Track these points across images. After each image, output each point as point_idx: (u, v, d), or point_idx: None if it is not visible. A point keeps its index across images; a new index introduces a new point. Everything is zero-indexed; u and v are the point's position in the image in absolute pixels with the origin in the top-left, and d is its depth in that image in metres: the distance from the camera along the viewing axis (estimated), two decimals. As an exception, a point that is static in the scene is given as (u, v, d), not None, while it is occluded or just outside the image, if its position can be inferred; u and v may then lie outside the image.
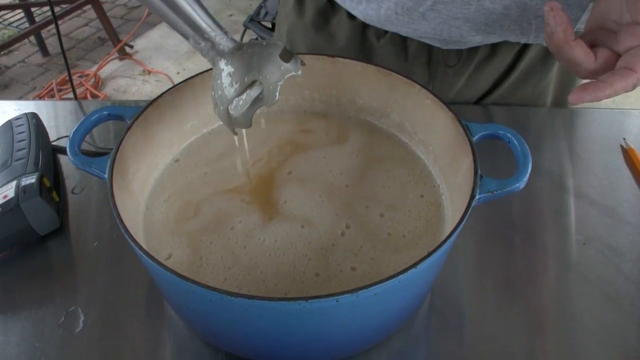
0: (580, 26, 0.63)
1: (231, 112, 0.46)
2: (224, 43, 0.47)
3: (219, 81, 0.47)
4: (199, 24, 0.46)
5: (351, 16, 0.76)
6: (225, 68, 0.46)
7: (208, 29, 0.46)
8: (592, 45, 0.49)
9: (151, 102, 0.53)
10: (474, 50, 0.74)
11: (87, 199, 0.64)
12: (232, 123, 0.47)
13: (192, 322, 0.49)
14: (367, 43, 0.78)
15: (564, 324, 0.53)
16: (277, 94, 0.45)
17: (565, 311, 0.54)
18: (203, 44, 0.46)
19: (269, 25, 2.50)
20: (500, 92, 0.79)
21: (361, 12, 0.72)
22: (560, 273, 0.57)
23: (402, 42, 0.76)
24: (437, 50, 0.75)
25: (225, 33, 0.47)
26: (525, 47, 0.75)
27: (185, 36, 0.46)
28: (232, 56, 0.46)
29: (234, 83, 0.46)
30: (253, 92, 0.46)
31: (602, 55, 0.48)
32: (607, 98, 0.46)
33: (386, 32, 0.76)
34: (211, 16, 0.46)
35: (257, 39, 2.55)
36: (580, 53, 0.48)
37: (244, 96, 0.46)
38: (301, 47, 0.82)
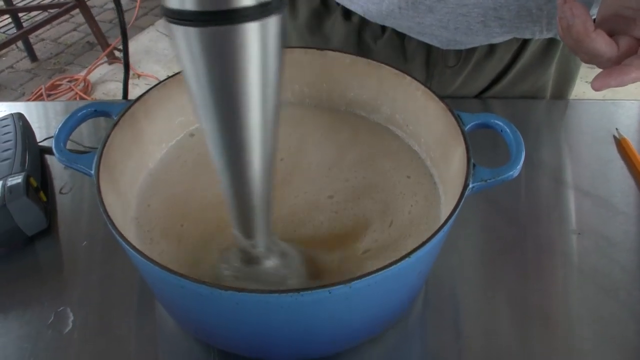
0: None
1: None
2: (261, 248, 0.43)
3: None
4: (258, 232, 0.41)
5: (346, 17, 0.75)
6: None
7: (261, 238, 0.42)
8: (610, 34, 0.48)
9: (138, 98, 0.52)
10: (472, 49, 0.73)
11: (76, 198, 0.64)
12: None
13: (183, 320, 0.48)
14: (363, 44, 0.77)
15: (560, 315, 0.52)
16: None
17: (560, 302, 0.53)
18: (249, 245, 0.42)
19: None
20: (498, 89, 0.79)
21: (361, 7, 0.71)
22: (555, 264, 0.56)
23: (400, 43, 0.75)
24: (436, 51, 0.74)
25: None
26: (524, 45, 0.74)
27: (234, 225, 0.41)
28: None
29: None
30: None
31: (624, 43, 0.47)
32: (632, 82, 0.45)
33: (383, 33, 0.75)
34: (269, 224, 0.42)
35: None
36: (602, 44, 0.46)
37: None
38: None
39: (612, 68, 0.45)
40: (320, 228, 0.50)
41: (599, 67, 0.48)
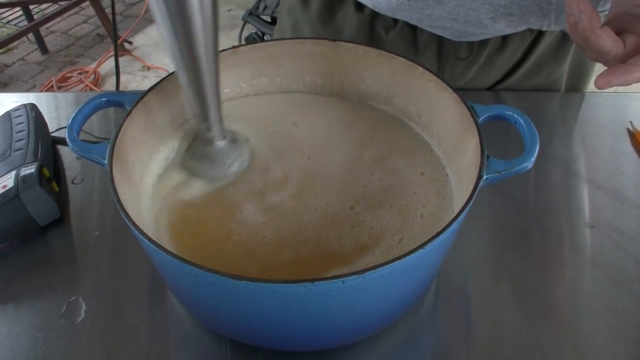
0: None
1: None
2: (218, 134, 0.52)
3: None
4: (211, 116, 0.50)
5: (358, 8, 0.75)
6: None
7: (213, 122, 0.51)
8: (618, 32, 0.47)
9: (151, 88, 0.52)
10: (485, 41, 0.73)
11: (88, 189, 0.64)
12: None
13: (196, 310, 0.48)
14: (375, 36, 0.76)
15: (573, 308, 0.52)
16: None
17: (573, 296, 0.53)
18: (204, 128, 0.51)
19: (268, 20, 2.49)
20: (510, 82, 0.78)
21: None
22: (568, 257, 0.56)
23: (411, 34, 0.74)
24: (448, 43, 0.73)
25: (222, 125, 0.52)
26: (538, 38, 0.73)
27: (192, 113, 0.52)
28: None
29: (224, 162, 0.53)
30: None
31: (631, 41, 0.46)
32: (636, 82, 0.44)
33: (395, 24, 0.74)
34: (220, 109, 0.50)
35: (256, 33, 2.55)
36: (608, 42, 0.46)
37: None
38: None
39: (616, 66, 0.45)
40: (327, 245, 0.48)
41: (605, 65, 0.48)
